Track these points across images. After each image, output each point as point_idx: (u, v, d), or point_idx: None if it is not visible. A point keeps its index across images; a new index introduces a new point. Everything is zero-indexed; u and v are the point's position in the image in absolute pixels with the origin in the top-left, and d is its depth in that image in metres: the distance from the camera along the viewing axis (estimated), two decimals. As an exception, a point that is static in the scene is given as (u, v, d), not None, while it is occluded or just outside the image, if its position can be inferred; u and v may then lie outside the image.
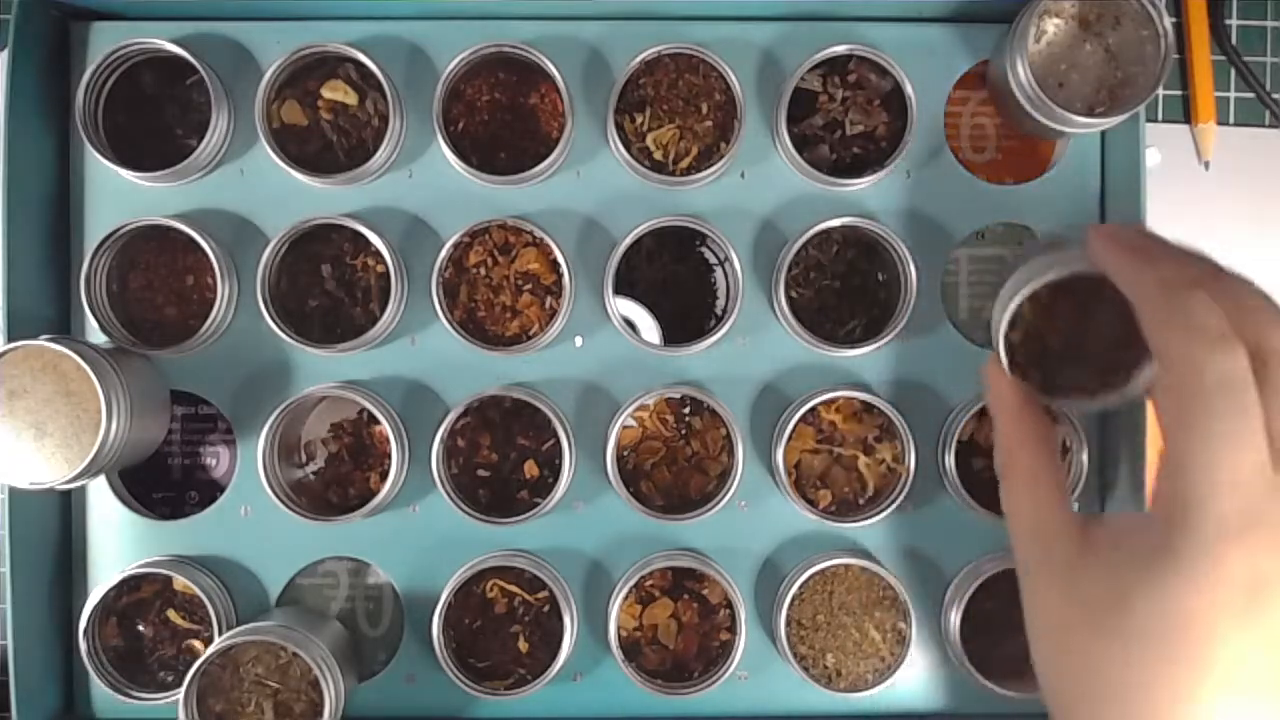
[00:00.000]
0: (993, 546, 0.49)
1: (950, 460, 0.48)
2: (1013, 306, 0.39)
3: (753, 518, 0.49)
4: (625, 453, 0.49)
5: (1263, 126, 0.56)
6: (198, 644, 0.49)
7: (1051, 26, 0.45)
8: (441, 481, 0.46)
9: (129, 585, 0.48)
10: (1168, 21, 0.44)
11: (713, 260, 0.51)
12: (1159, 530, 0.31)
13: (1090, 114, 0.44)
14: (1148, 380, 0.38)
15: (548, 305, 0.49)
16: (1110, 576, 0.32)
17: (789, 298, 0.48)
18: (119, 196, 0.49)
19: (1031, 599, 0.36)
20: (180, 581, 0.48)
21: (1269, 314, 0.32)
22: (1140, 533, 0.32)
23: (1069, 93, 0.45)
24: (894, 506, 0.47)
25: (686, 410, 0.50)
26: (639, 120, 0.48)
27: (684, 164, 0.48)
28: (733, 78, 0.46)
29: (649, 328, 0.50)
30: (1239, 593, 0.29)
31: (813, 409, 0.48)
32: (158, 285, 0.49)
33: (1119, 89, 0.45)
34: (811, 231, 0.46)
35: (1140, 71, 0.44)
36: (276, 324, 0.46)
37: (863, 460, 0.49)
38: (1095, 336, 0.40)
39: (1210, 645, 0.30)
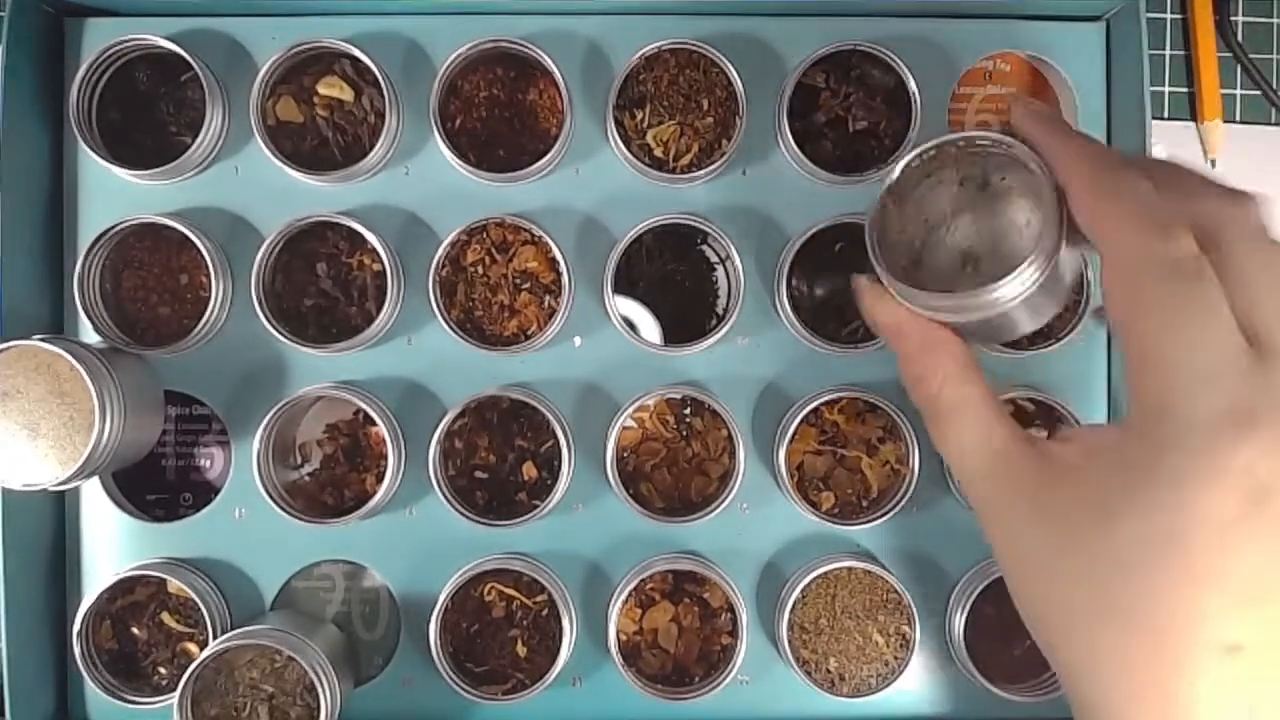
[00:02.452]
0: (997, 549, 0.49)
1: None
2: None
3: (754, 520, 0.49)
4: (625, 454, 0.49)
5: (1269, 124, 0.56)
6: (192, 647, 0.48)
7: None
8: (438, 483, 0.46)
9: (123, 588, 0.48)
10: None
11: (714, 259, 0.51)
12: (1136, 437, 0.29)
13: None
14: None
15: (546, 304, 0.48)
16: (1088, 495, 0.29)
17: (790, 297, 0.47)
18: (113, 194, 0.48)
19: (999, 538, 0.32)
20: (175, 584, 0.47)
21: (1211, 190, 0.30)
22: (1114, 444, 0.29)
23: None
24: (898, 508, 0.47)
25: (687, 411, 0.49)
26: (639, 117, 0.47)
27: (684, 161, 0.47)
28: (734, 73, 0.46)
29: (649, 327, 0.49)
30: (1238, 497, 0.27)
31: (815, 410, 0.47)
32: (152, 284, 0.48)
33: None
34: (813, 230, 0.46)
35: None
36: (271, 323, 0.46)
37: (866, 461, 0.48)
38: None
39: (1212, 555, 0.27)
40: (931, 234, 0.35)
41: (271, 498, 0.46)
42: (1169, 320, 0.28)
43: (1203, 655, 0.28)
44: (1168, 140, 0.55)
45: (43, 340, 0.42)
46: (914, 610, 0.47)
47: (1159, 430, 0.28)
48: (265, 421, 0.46)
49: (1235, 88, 0.56)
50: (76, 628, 0.47)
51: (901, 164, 0.35)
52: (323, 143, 0.48)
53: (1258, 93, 0.55)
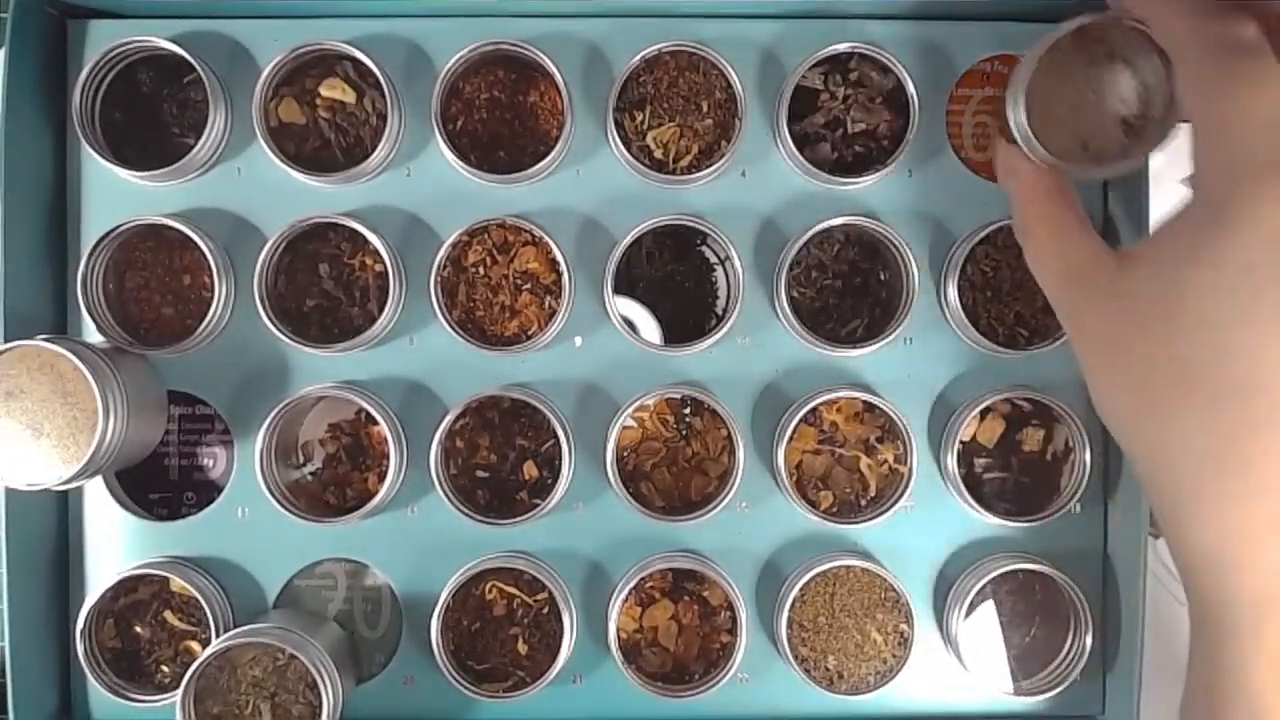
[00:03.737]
0: (995, 548, 0.49)
1: (952, 461, 0.47)
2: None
3: (754, 519, 0.49)
4: (625, 453, 0.49)
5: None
6: (195, 645, 0.49)
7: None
8: (440, 482, 0.46)
9: (126, 587, 0.48)
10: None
11: (713, 259, 0.51)
12: (1200, 204, 0.30)
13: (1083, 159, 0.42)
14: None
15: (547, 305, 0.48)
16: (1162, 274, 0.30)
17: (790, 297, 0.48)
18: (116, 195, 0.48)
19: (1082, 339, 0.34)
20: (177, 583, 0.48)
21: None
22: (1180, 222, 0.31)
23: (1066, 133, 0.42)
24: (896, 507, 0.47)
25: (687, 411, 0.49)
26: (639, 118, 0.47)
27: (684, 162, 0.47)
28: (733, 76, 0.46)
29: (649, 327, 0.50)
30: None
31: (814, 409, 0.48)
32: (154, 285, 0.49)
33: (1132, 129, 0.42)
34: (813, 230, 0.46)
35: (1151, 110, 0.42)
36: (274, 324, 0.46)
37: (864, 461, 0.49)
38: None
39: (1269, 293, 0.28)
40: (1079, 102, 0.42)
41: (274, 497, 0.46)
42: (1227, 88, 0.29)
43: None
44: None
45: (46, 340, 0.43)
46: (912, 609, 0.47)
47: (1220, 187, 0.30)
48: (268, 421, 0.46)
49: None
50: (79, 626, 0.47)
51: (1054, 38, 0.41)
52: (325, 144, 0.48)
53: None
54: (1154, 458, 0.31)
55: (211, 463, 0.50)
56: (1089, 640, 0.47)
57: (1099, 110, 0.42)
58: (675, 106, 0.47)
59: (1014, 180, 0.40)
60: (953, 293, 0.47)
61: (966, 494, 0.47)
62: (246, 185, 0.49)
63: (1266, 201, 0.28)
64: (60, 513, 0.49)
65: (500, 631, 0.48)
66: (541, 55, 0.46)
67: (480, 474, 0.49)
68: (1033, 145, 0.41)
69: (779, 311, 0.48)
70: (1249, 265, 0.28)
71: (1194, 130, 0.31)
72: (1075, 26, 0.40)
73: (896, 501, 0.47)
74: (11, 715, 0.47)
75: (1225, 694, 0.31)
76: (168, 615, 0.49)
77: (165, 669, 0.49)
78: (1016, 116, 0.42)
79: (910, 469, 0.47)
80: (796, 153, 0.47)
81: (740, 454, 0.47)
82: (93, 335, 0.48)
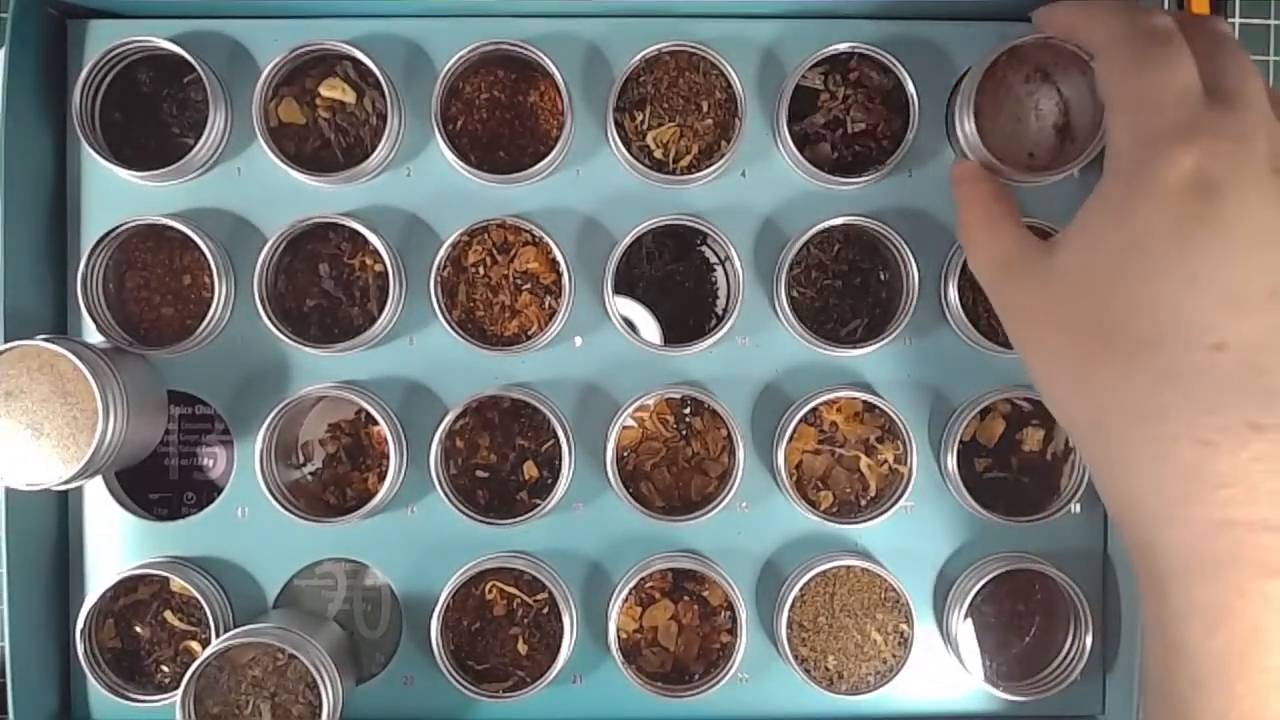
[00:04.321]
0: (995, 548, 0.49)
1: (952, 461, 0.47)
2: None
3: (754, 519, 0.49)
4: (625, 453, 0.49)
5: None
6: (195, 646, 0.49)
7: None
8: (440, 482, 0.46)
9: (126, 587, 0.48)
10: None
11: (713, 259, 0.51)
12: (1110, 181, 0.32)
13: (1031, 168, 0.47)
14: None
15: (547, 305, 0.48)
16: (1079, 247, 0.33)
17: (790, 297, 0.48)
18: (116, 195, 0.48)
19: (1013, 322, 0.36)
20: (177, 583, 0.48)
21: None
22: (1094, 199, 0.33)
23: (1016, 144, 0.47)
24: (896, 507, 0.47)
25: (687, 411, 0.49)
26: (639, 118, 0.47)
27: (684, 162, 0.47)
28: (733, 75, 0.46)
29: (649, 327, 0.50)
30: (1190, 195, 0.30)
31: (814, 409, 0.48)
32: (154, 285, 0.49)
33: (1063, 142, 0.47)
34: (813, 230, 0.46)
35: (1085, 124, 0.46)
36: (274, 324, 0.46)
37: (864, 461, 0.49)
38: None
39: (1176, 254, 0.30)
40: (1021, 114, 0.47)
41: (274, 497, 0.46)
42: (1140, 68, 0.32)
43: (1191, 357, 0.29)
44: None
45: (46, 340, 0.43)
46: (912, 609, 0.47)
47: (1129, 159, 0.32)
48: (268, 421, 0.46)
49: (1232, 89, 0.56)
50: (79, 626, 0.47)
51: (990, 59, 0.44)
52: (325, 144, 0.48)
53: (1254, 94, 0.56)
54: (1084, 419, 0.33)
55: (211, 463, 0.50)
56: (1089, 640, 0.47)
57: (1038, 122, 0.47)
58: (675, 106, 0.47)
59: (960, 187, 0.43)
60: (953, 293, 0.47)
61: (966, 494, 0.47)
62: (246, 185, 0.49)
63: (1169, 163, 0.30)
64: (60, 513, 0.49)
65: (500, 631, 0.48)
66: (541, 55, 0.46)
67: (480, 474, 0.49)
68: (980, 154, 0.45)
69: (779, 311, 0.48)
70: (1151, 224, 0.30)
71: (1108, 114, 0.33)
72: (1009, 47, 0.44)
73: (896, 501, 0.47)
74: (11, 715, 0.47)
75: (1167, 656, 0.30)
76: (168, 615, 0.49)
77: (165, 669, 0.49)
78: (964, 128, 0.45)
79: (910, 469, 0.47)
80: (796, 153, 0.47)
81: (740, 454, 0.47)
82: (93, 335, 0.48)
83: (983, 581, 0.47)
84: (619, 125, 0.47)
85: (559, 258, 0.46)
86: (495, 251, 0.48)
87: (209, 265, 0.46)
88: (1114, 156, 0.33)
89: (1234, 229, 0.29)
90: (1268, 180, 0.30)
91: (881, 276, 0.50)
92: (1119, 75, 0.33)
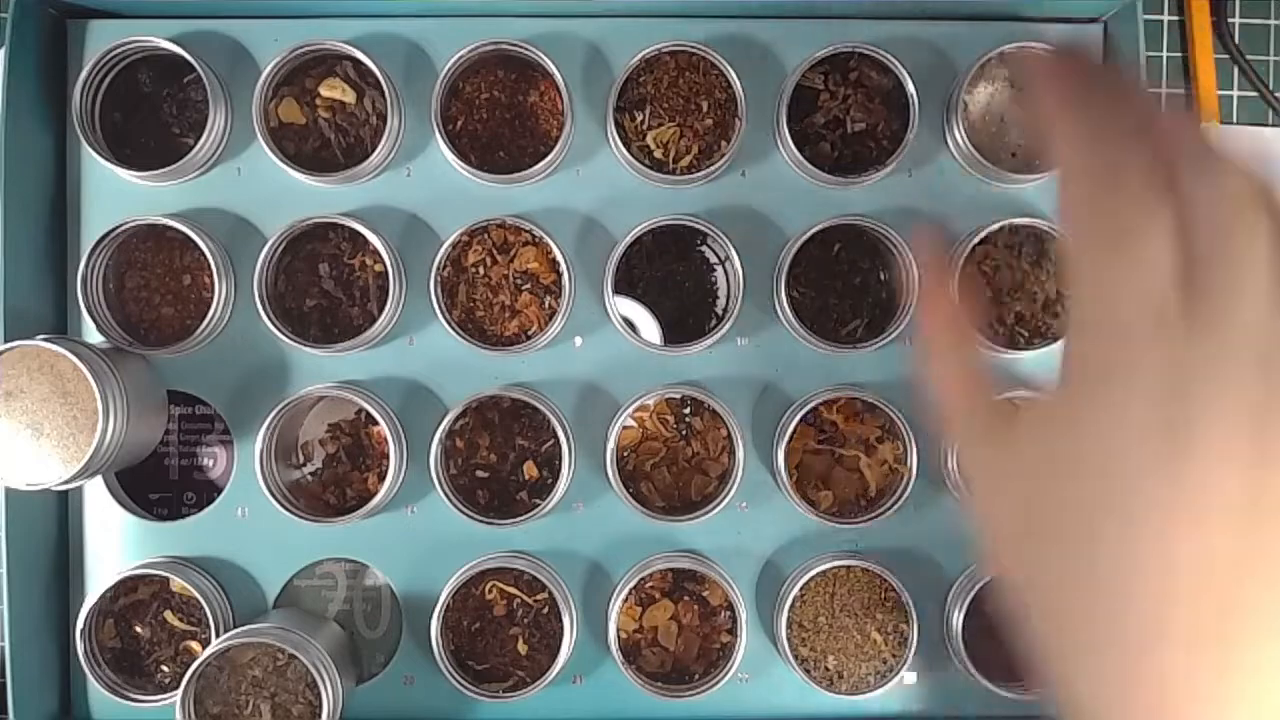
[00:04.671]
0: (995, 548, 0.49)
1: (952, 460, 0.47)
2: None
3: (753, 519, 0.49)
4: (625, 453, 0.49)
5: (1266, 125, 0.56)
6: (195, 645, 0.49)
7: (984, 93, 0.49)
8: (440, 482, 0.46)
9: (126, 587, 0.48)
10: None
11: (713, 259, 0.51)
12: (1064, 380, 0.29)
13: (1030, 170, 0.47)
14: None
15: (547, 305, 0.48)
16: (1043, 430, 0.30)
17: (790, 297, 0.48)
18: (116, 195, 0.48)
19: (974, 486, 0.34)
20: (177, 583, 0.48)
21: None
22: (1050, 402, 0.30)
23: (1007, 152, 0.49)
24: (895, 507, 0.47)
25: (687, 411, 0.49)
26: (639, 118, 0.47)
27: (684, 162, 0.47)
28: (733, 76, 0.46)
29: (649, 327, 0.49)
30: (1154, 434, 0.26)
31: (814, 409, 0.48)
32: (154, 285, 0.49)
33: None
34: (813, 230, 0.46)
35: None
36: (274, 324, 0.46)
37: (864, 461, 0.49)
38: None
39: (1131, 483, 0.26)
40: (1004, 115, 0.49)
41: (274, 497, 0.46)
42: (1097, 248, 0.28)
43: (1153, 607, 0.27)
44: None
45: (46, 340, 0.43)
46: (912, 608, 0.47)
47: (1073, 366, 0.29)
48: (268, 421, 0.46)
49: (1232, 89, 0.56)
50: (80, 626, 0.47)
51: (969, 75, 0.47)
52: (325, 144, 0.48)
53: (1255, 94, 0.55)
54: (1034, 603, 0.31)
55: (211, 463, 0.50)
56: (1089, 640, 0.47)
57: (1023, 125, 0.48)
58: (675, 106, 0.47)
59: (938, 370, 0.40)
60: (953, 293, 0.47)
61: (967, 493, 0.47)
62: (246, 185, 0.49)
63: (1130, 384, 0.27)
64: (60, 513, 0.49)
65: (500, 631, 0.48)
66: (541, 55, 0.46)
67: (480, 474, 0.49)
68: (968, 152, 0.46)
69: (779, 311, 0.48)
70: (1112, 443, 0.27)
71: (1073, 292, 0.29)
72: (996, 52, 0.46)
73: (896, 501, 0.47)
74: (11, 715, 0.47)
75: None
76: (168, 615, 0.49)
77: (165, 669, 0.49)
78: (956, 128, 0.47)
79: (910, 469, 0.47)
80: (796, 153, 0.47)
81: (740, 454, 0.47)
82: (93, 335, 0.48)
83: (983, 581, 0.47)
84: (619, 125, 0.47)
85: (559, 258, 0.46)
86: (495, 251, 0.48)
87: (209, 265, 0.46)
88: (1070, 356, 0.29)
89: (1203, 458, 0.26)
90: (1254, 388, 0.25)
91: (881, 276, 0.50)
92: (1080, 245, 0.28)
